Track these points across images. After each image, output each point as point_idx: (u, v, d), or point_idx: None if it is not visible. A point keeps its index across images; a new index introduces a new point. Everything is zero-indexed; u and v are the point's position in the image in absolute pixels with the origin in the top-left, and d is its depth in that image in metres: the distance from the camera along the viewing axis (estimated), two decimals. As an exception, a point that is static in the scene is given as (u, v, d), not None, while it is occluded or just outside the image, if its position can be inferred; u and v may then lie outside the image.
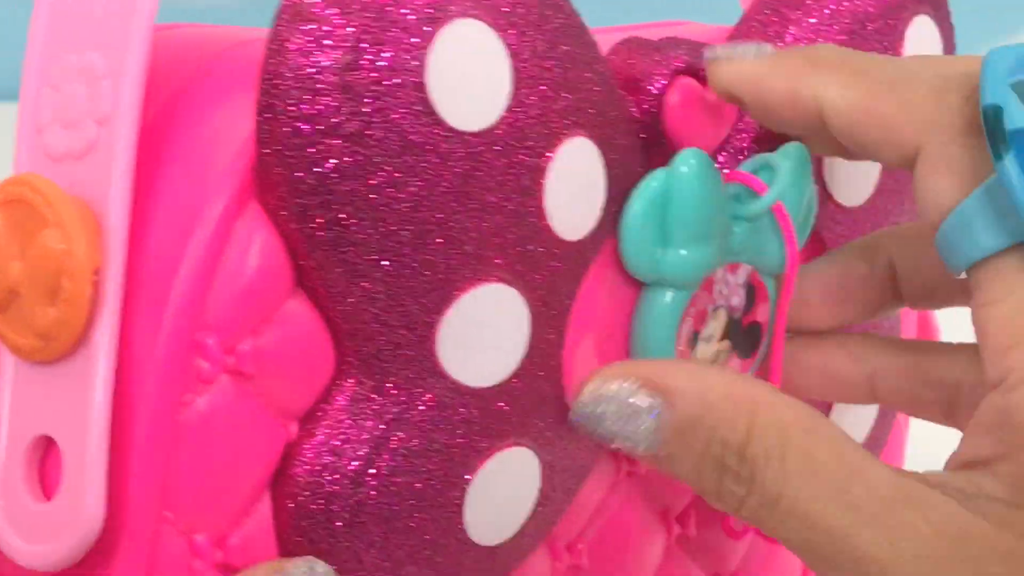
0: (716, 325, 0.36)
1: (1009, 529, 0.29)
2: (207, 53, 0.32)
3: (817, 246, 0.39)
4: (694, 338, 0.36)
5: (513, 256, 0.32)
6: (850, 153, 0.34)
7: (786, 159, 0.36)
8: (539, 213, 0.32)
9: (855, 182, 0.40)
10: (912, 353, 0.38)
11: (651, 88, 0.35)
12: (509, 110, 0.31)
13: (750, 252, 0.36)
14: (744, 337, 0.37)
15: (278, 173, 0.29)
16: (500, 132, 0.31)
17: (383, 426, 0.31)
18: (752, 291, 0.37)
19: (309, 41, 0.29)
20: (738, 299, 0.36)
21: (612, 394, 0.31)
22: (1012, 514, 0.29)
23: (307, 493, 0.31)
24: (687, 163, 0.34)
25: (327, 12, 0.29)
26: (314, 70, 0.28)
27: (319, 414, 0.31)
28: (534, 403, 0.33)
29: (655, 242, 0.34)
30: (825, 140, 0.34)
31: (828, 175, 0.39)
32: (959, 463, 0.30)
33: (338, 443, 0.31)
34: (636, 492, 0.38)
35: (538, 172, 0.32)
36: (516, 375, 0.33)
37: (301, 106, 0.28)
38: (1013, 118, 0.30)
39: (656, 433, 0.30)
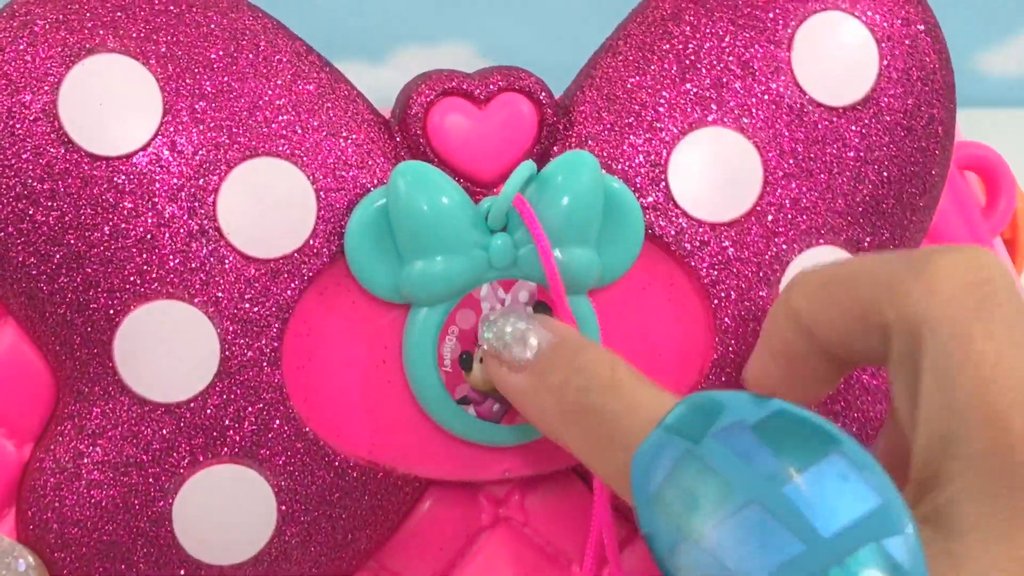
0: None
1: None
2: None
3: (676, 264, 0.35)
4: (466, 359, 0.34)
5: (185, 273, 0.33)
6: None
7: (529, 168, 0.34)
8: (215, 230, 0.34)
9: (720, 195, 0.35)
10: None
11: (411, 109, 0.35)
12: (162, 128, 0.33)
13: (530, 268, 0.34)
14: (547, 359, 0.34)
15: None
16: (151, 155, 0.33)
17: (86, 441, 0.34)
18: (547, 311, 0.34)
19: None
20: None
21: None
22: None
23: (33, 507, 0.34)
24: (402, 176, 0.34)
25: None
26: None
27: (46, 433, 0.34)
28: (252, 423, 0.34)
29: (386, 258, 0.34)
30: None
31: (678, 189, 0.35)
32: None
33: (53, 459, 0.34)
34: (523, 540, 0.36)
35: (208, 191, 0.34)
36: (211, 391, 0.34)
37: None
38: None
39: None
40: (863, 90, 0.36)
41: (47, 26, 0.33)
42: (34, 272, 0.33)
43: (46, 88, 0.33)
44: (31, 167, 0.33)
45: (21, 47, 0.33)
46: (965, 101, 0.65)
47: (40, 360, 0.34)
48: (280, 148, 0.34)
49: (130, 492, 0.34)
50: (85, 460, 0.34)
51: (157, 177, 0.33)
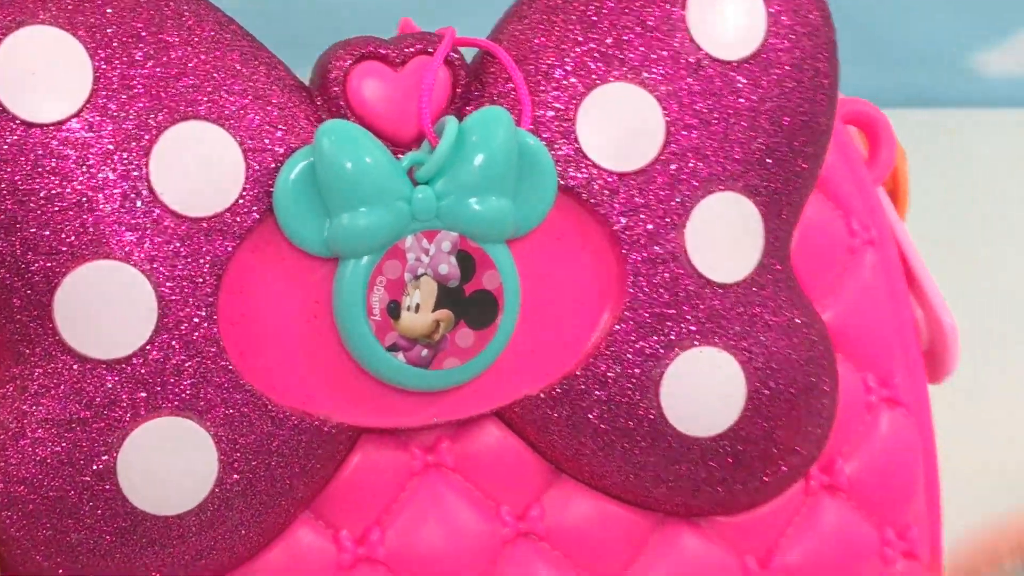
0: (423, 294, 0.36)
1: None
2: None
3: (588, 214, 0.38)
4: (394, 308, 0.36)
5: (121, 233, 0.35)
6: None
7: (452, 123, 0.36)
8: (148, 191, 0.35)
9: (625, 146, 0.38)
10: None
11: (330, 73, 0.37)
12: (93, 95, 0.35)
13: (452, 218, 0.36)
14: (469, 306, 0.36)
15: None
16: (84, 121, 0.35)
17: (29, 401, 0.35)
18: (468, 259, 0.36)
19: None
20: (447, 267, 0.36)
21: None
22: None
23: None
24: (326, 134, 0.35)
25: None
26: None
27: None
28: (191, 377, 0.35)
29: (314, 214, 0.36)
30: None
31: (586, 142, 0.37)
32: None
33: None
34: (452, 485, 0.38)
35: (140, 154, 0.35)
36: (150, 346, 0.35)
37: None
38: None
39: None
40: (753, 45, 0.39)
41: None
42: None
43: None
44: None
45: (-48, 21, 0.34)
46: (965, 101, 0.68)
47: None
48: (208, 112, 0.35)
49: (74, 448, 0.35)
50: (29, 419, 0.35)
51: (91, 142, 0.35)
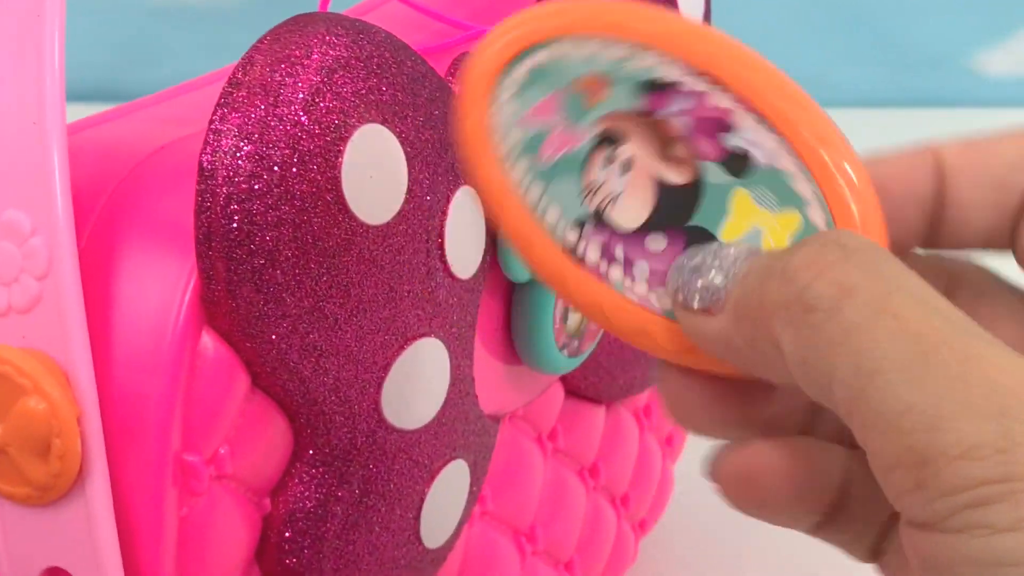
0: None
1: None
2: (123, 166, 0.34)
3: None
4: (565, 313, 0.41)
5: (430, 311, 0.36)
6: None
7: None
8: (443, 264, 0.36)
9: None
10: None
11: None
12: (409, 193, 0.35)
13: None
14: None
15: (221, 271, 0.32)
16: (404, 216, 0.35)
17: (334, 483, 0.35)
18: None
19: (239, 159, 0.32)
20: None
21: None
22: None
23: (289, 559, 0.35)
24: None
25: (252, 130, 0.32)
26: (245, 176, 0.32)
27: (285, 485, 0.35)
28: (462, 423, 0.38)
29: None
30: None
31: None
32: None
33: (300, 506, 0.35)
34: (545, 453, 0.46)
35: (436, 233, 0.36)
36: (444, 407, 0.37)
37: (233, 207, 0.31)
38: None
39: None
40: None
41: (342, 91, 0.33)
42: (321, 330, 0.34)
43: (331, 162, 0.33)
44: (318, 235, 0.33)
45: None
46: (967, 101, 0.71)
47: (285, 423, 0.35)
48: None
49: (387, 514, 0.38)
50: (339, 501, 0.36)
51: (408, 235, 0.35)
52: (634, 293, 0.30)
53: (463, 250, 0.37)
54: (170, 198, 0.33)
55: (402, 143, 0.34)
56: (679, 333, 0.29)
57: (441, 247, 0.36)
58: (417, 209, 0.35)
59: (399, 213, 0.34)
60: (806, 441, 0.30)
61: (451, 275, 0.36)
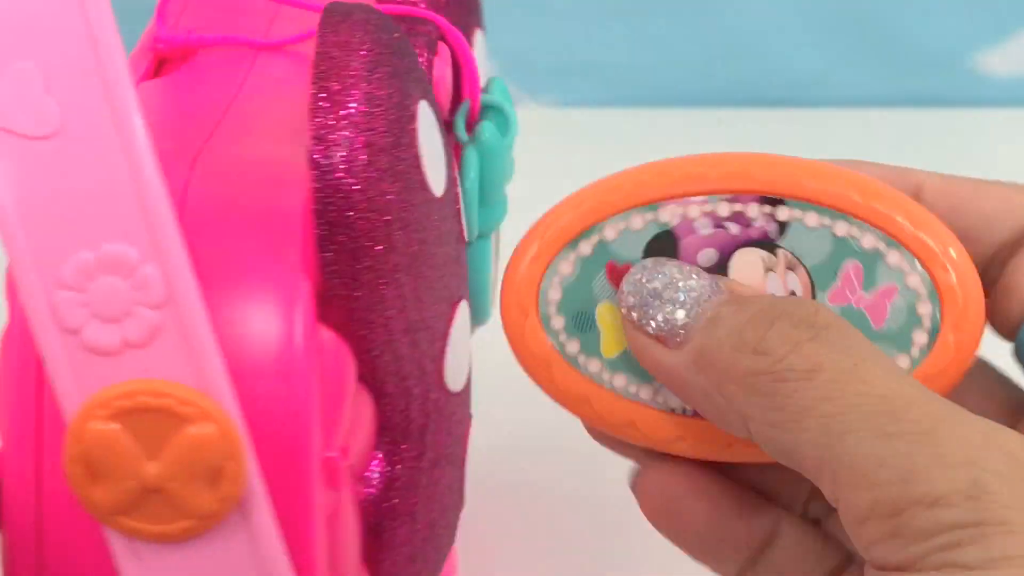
0: None
1: None
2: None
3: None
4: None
5: (462, 274, 0.38)
6: None
7: None
8: (460, 227, 0.38)
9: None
10: None
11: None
12: (448, 161, 0.36)
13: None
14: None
15: (347, 263, 0.32)
16: (451, 185, 0.36)
17: (416, 455, 0.36)
18: None
19: (355, 150, 0.32)
20: None
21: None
22: None
23: (387, 535, 0.36)
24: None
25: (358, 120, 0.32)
26: (362, 166, 0.32)
27: (371, 465, 0.36)
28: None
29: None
30: None
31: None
32: None
33: (391, 484, 0.36)
34: None
35: (457, 199, 0.38)
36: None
37: (356, 199, 0.32)
38: None
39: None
40: None
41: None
42: (406, 300, 0.34)
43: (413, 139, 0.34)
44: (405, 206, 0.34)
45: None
46: (967, 101, 0.68)
47: (373, 409, 0.35)
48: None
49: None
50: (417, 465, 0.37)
51: (452, 202, 0.37)
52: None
53: (469, 213, 0.39)
54: (253, 197, 0.33)
55: (436, 115, 0.36)
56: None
57: (458, 212, 0.38)
58: (451, 177, 0.37)
59: (448, 182, 0.36)
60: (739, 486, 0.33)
61: (464, 239, 0.38)
